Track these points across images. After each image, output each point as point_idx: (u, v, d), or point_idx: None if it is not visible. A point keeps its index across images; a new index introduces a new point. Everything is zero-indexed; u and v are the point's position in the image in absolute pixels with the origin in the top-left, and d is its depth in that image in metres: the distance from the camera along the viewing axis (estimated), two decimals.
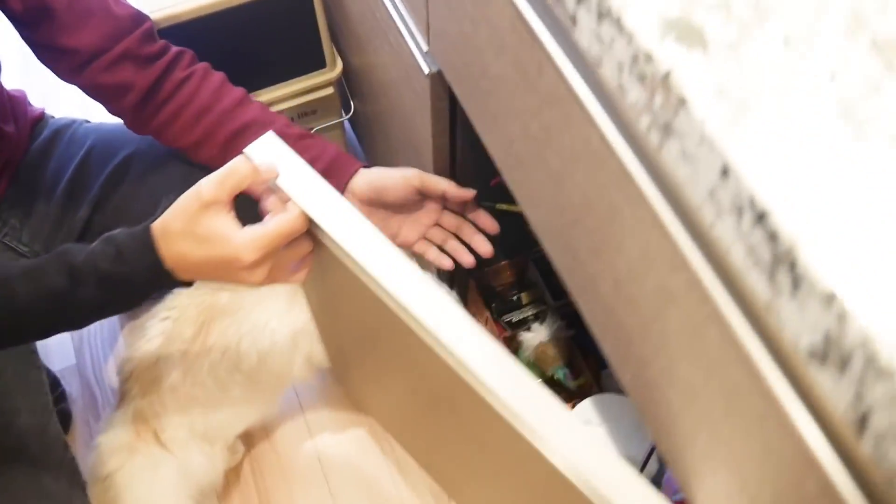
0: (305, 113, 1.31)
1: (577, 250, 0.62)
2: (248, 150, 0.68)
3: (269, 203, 0.69)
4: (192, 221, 0.66)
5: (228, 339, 1.04)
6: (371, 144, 1.44)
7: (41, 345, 1.45)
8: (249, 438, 1.33)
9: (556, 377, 1.17)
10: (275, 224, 0.65)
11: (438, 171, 1.01)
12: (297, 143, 0.92)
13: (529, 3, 0.53)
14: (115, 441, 1.05)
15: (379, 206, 0.94)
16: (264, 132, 0.90)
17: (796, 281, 0.34)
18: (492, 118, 0.70)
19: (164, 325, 1.04)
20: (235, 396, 1.10)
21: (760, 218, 0.35)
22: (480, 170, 0.94)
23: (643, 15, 0.41)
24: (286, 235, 0.66)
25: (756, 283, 0.37)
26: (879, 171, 0.35)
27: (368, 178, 0.92)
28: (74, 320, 0.72)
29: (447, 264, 0.96)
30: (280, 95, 1.25)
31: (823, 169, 0.35)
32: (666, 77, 0.39)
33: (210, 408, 1.09)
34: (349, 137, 1.60)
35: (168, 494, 1.06)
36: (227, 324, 1.04)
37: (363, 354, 0.99)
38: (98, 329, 1.47)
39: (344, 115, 1.37)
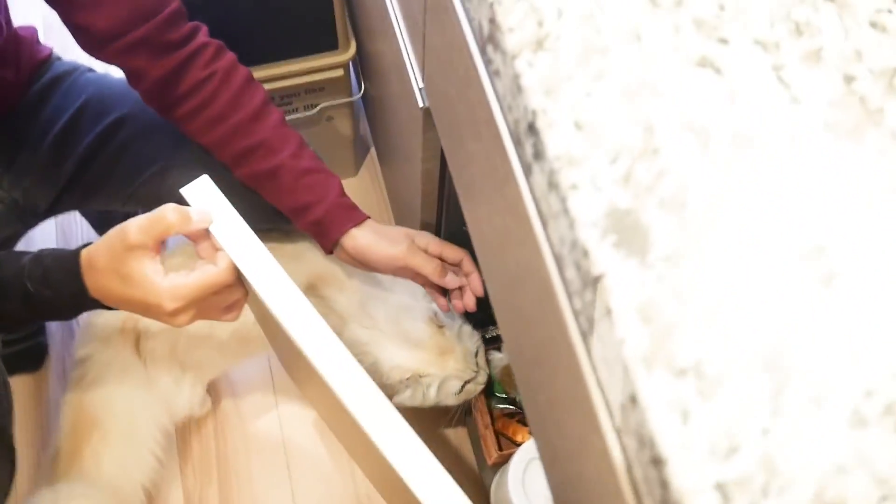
0: (313, 89, 1.28)
1: (522, 347, 0.61)
2: (185, 191, 0.68)
3: (201, 249, 0.69)
4: (116, 260, 0.65)
5: None
6: (379, 128, 1.41)
7: None
8: (217, 400, 1.35)
9: (517, 399, 1.17)
10: (197, 277, 0.65)
11: (426, 193, 0.99)
12: (302, 179, 0.90)
13: (504, 119, 0.50)
14: (99, 326, 1.07)
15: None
16: (272, 158, 0.89)
17: None
18: (467, 183, 0.68)
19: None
20: (221, 341, 1.11)
21: (656, 463, 0.34)
22: None
23: (592, 200, 0.39)
24: (210, 288, 0.65)
25: None
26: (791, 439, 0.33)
27: (355, 246, 0.90)
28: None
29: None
30: (288, 71, 1.22)
31: (735, 430, 0.33)
32: (597, 280, 0.37)
33: (195, 341, 1.11)
34: (359, 114, 1.57)
35: (132, 399, 1.08)
36: None
37: (289, 365, 1.01)
38: None
39: (355, 94, 1.34)
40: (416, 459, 0.61)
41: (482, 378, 1.07)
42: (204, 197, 0.68)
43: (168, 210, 0.65)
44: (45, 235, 1.51)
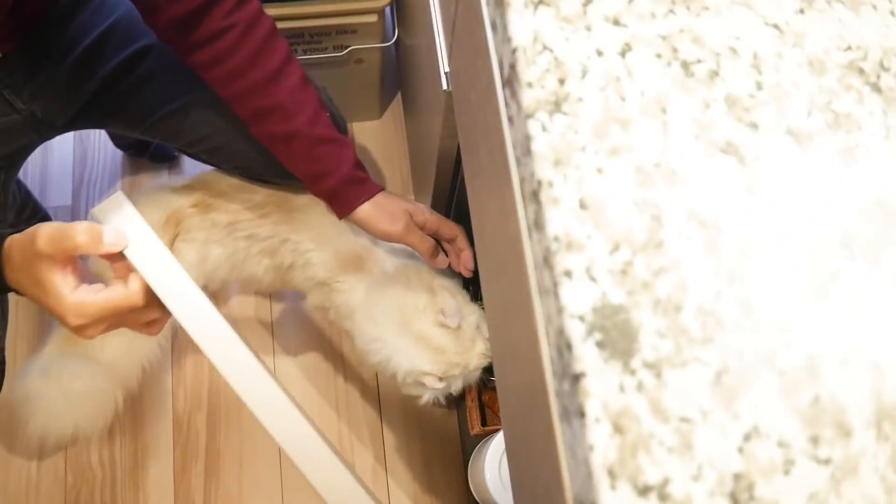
0: (345, 31, 1.24)
1: (507, 369, 0.60)
2: (96, 211, 0.63)
3: (116, 268, 0.64)
4: (27, 261, 0.61)
5: (285, 235, 1.09)
6: (407, 77, 1.37)
7: (40, 178, 1.48)
8: None
9: None
10: (105, 297, 0.61)
11: (441, 168, 0.97)
12: (316, 148, 0.89)
13: (515, 164, 0.47)
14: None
15: None
16: (287, 123, 0.87)
17: None
18: (477, 189, 0.66)
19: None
20: (249, 275, 1.14)
21: None
22: None
23: (584, 290, 0.37)
24: (117, 309, 0.62)
25: None
26: None
27: (357, 218, 0.93)
28: None
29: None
30: (322, 10, 1.17)
31: None
32: (576, 378, 0.36)
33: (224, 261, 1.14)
34: (390, 59, 1.53)
35: None
36: (297, 226, 1.08)
37: None
38: (99, 173, 1.48)
39: (388, 40, 1.29)
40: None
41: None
42: (119, 215, 0.63)
43: (79, 229, 0.60)
44: (64, 146, 1.50)
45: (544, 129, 0.40)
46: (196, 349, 1.31)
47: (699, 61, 0.42)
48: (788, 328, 0.37)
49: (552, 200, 0.38)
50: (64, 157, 1.49)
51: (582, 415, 0.35)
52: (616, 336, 0.36)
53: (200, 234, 1.07)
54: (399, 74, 1.50)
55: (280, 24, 0.91)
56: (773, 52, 0.42)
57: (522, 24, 0.42)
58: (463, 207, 1.04)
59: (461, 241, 0.97)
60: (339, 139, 0.90)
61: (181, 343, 1.37)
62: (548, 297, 0.39)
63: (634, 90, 0.41)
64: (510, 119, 0.44)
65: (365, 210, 0.92)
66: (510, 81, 0.43)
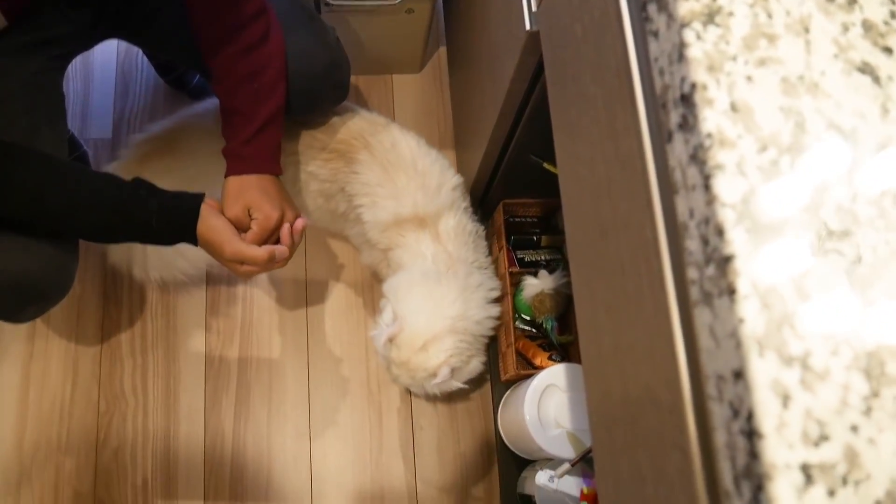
0: None
1: (594, 290, 0.64)
2: None
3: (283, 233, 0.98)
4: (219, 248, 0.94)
5: (342, 184, 1.15)
6: (459, 32, 1.39)
7: (81, 110, 1.48)
8: None
9: (544, 326, 1.21)
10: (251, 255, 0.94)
11: (504, 113, 1.00)
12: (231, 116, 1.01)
13: (644, 77, 0.51)
14: None
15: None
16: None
17: (755, 497, 0.37)
18: (568, 123, 0.69)
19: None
20: (302, 205, 1.21)
21: (750, 435, 0.37)
22: (546, 126, 0.93)
23: (735, 183, 0.40)
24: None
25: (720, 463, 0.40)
26: None
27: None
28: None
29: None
30: None
31: (827, 421, 0.37)
32: (727, 260, 0.39)
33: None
34: (439, 11, 1.55)
35: None
36: (353, 182, 1.14)
37: None
38: (140, 108, 1.49)
39: None
40: None
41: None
42: None
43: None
44: (106, 79, 1.51)
45: (699, 37, 0.43)
46: (231, 281, 1.34)
47: None
48: None
49: (706, 101, 0.42)
50: (105, 91, 1.50)
51: (732, 292, 0.39)
52: (763, 225, 0.40)
53: None
54: (447, 27, 1.52)
55: None
56: None
57: None
58: (521, 152, 1.07)
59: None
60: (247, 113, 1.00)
61: (217, 274, 1.40)
62: (692, 192, 0.43)
63: (780, 9, 0.44)
64: (653, 34, 0.47)
65: (235, 186, 1.00)
66: None
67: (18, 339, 1.35)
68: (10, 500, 1.26)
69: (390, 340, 1.05)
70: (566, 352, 1.23)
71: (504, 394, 1.24)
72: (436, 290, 1.07)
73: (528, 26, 0.81)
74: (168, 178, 1.03)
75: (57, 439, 1.30)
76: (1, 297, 0.91)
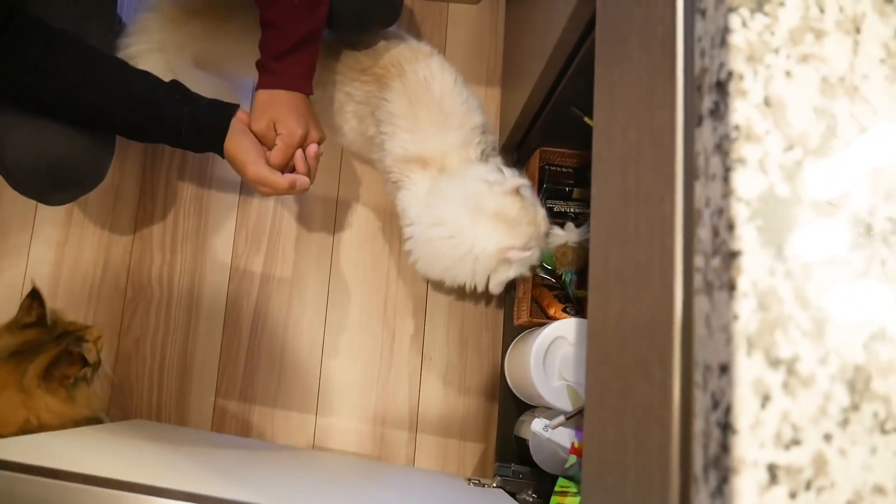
0: None
1: (609, 257, 0.64)
2: None
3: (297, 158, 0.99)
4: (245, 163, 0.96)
5: (374, 106, 1.15)
6: None
7: None
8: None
9: (564, 278, 1.22)
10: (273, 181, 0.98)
11: (552, 60, 0.98)
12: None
13: (687, 54, 0.50)
14: None
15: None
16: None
17: (719, 488, 0.38)
18: (609, 83, 0.68)
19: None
20: (335, 126, 1.23)
21: (725, 427, 0.38)
22: (591, 82, 0.92)
23: (754, 179, 0.40)
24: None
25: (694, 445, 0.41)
26: None
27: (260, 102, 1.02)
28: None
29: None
30: None
31: (802, 426, 0.37)
32: (733, 255, 0.40)
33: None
34: None
35: None
36: (384, 107, 1.13)
37: None
38: None
39: None
40: None
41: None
42: None
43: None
44: None
45: (744, 24, 0.42)
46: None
47: None
48: None
49: (740, 92, 0.41)
50: None
51: (732, 288, 0.39)
52: (775, 225, 0.40)
53: None
54: None
55: None
56: None
57: None
58: (564, 103, 1.05)
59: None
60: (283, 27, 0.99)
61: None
62: (711, 181, 0.42)
63: (834, 4, 0.43)
64: (701, 12, 0.46)
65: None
66: None
67: (56, 224, 1.39)
68: None
69: (516, 191, 1.04)
70: (581, 306, 1.24)
71: (515, 338, 1.26)
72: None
73: None
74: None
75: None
76: (36, 180, 0.95)
